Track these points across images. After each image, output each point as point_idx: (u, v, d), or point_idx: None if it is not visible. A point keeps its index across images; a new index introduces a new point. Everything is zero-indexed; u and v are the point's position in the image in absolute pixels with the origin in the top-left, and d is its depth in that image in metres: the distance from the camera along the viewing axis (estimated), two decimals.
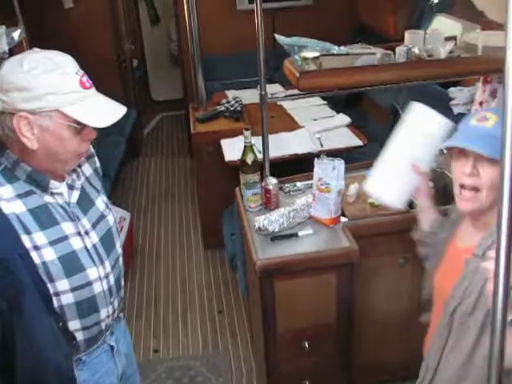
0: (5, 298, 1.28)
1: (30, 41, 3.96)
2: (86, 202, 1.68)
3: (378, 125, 4.71)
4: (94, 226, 1.68)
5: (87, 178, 1.74)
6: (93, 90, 1.53)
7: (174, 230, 4.79)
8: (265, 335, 2.58)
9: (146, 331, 3.65)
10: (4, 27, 3.67)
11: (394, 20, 4.50)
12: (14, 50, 3.82)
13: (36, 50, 1.52)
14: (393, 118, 4.37)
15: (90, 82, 1.53)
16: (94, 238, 1.66)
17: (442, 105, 3.76)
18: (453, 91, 3.77)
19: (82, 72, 1.52)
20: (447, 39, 2.85)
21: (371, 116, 5.03)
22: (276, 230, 2.48)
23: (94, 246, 1.66)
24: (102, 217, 1.73)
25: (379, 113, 4.78)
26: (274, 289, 2.43)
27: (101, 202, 1.76)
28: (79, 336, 1.67)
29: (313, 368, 2.71)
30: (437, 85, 4.02)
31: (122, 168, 5.67)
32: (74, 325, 1.63)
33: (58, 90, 1.45)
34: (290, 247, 2.44)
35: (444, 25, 3.03)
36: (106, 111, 1.53)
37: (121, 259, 1.82)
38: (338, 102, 4.85)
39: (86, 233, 1.64)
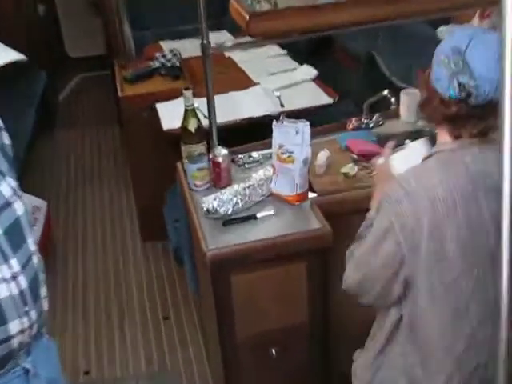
0: None
1: None
2: None
3: (352, 77, 4.74)
4: None
5: None
6: None
7: (104, 220, 4.78)
8: (222, 344, 2.61)
9: (74, 348, 3.65)
10: None
11: None
12: None
13: None
14: (369, 67, 4.42)
15: None
16: None
17: (430, 49, 3.80)
18: (443, 31, 3.81)
19: None
20: None
21: (343, 67, 5.05)
22: (229, 212, 2.50)
23: None
24: (7, 205, 1.70)
25: (353, 62, 4.80)
26: (231, 285, 2.45)
27: (6, 186, 1.73)
28: None
29: (283, 380, 2.75)
30: (423, 24, 4.07)
31: (34, 145, 5.59)
32: None
33: None
34: (247, 232, 2.46)
35: None
36: None
37: (36, 259, 1.79)
38: (301, 51, 4.86)
39: None
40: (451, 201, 1.71)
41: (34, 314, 1.73)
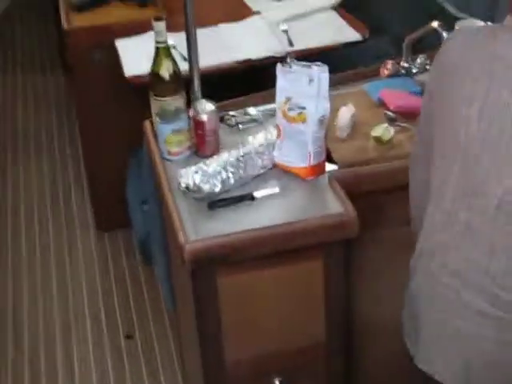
0: None
1: None
2: None
3: (389, 5, 4.75)
4: None
5: None
6: None
7: (44, 202, 4.81)
8: (205, 372, 2.62)
9: (2, 376, 3.67)
10: None
11: None
12: None
13: None
14: None
15: None
16: None
17: None
18: None
19: None
20: None
21: None
22: (216, 190, 2.50)
23: None
24: None
25: None
26: (217, 289, 2.45)
27: None
28: None
29: None
30: None
31: None
32: None
33: None
34: (241, 219, 2.46)
35: None
36: None
37: None
38: None
39: None
40: None
41: None
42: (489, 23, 3.06)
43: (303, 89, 2.49)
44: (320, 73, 2.47)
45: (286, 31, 3.80)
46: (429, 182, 2.12)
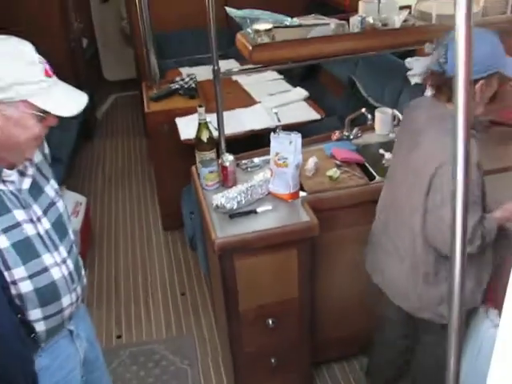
0: None
1: None
2: (36, 189, 1.66)
3: (336, 97, 4.72)
4: (45, 212, 1.66)
5: (36, 165, 1.72)
6: (55, 77, 1.52)
7: (133, 213, 4.74)
8: (227, 315, 2.58)
9: (108, 317, 3.62)
10: None
11: None
12: None
13: None
14: (350, 89, 4.39)
15: (52, 69, 1.52)
16: (45, 224, 1.65)
17: (399, 75, 3.79)
18: (409, 61, 3.78)
19: (43, 59, 1.50)
20: (402, 8, 2.86)
21: (329, 89, 5.02)
22: (234, 207, 2.47)
23: (47, 232, 1.65)
24: (52, 203, 1.71)
25: (337, 85, 4.78)
26: (235, 267, 2.42)
27: (50, 188, 1.74)
28: (40, 327, 1.65)
29: (278, 345, 2.72)
30: (393, 55, 4.04)
31: (76, 152, 5.58)
32: (34, 314, 1.62)
33: (25, 81, 1.43)
34: (249, 224, 2.43)
35: None
36: (70, 99, 1.53)
37: (75, 245, 1.81)
38: (294, 76, 4.84)
39: (38, 219, 1.63)
40: None
41: (78, 290, 1.78)
42: (395, 110, 3.02)
43: (286, 147, 2.45)
44: (296, 138, 2.45)
45: (276, 113, 3.70)
46: None
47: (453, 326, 1.01)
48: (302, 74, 5.07)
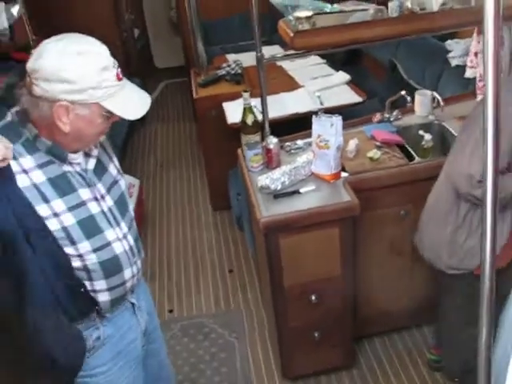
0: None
1: (30, 16, 3.93)
2: (100, 168, 1.73)
3: (378, 80, 4.67)
4: (108, 190, 1.73)
5: (101, 145, 1.78)
6: (124, 79, 1.59)
7: (183, 194, 4.81)
8: (273, 291, 2.61)
9: (161, 293, 3.70)
10: (3, 4, 3.65)
11: None
12: (15, 25, 3.81)
13: (71, 36, 1.55)
14: (392, 72, 4.34)
15: (122, 72, 1.58)
16: (108, 201, 1.72)
17: (439, 58, 3.74)
18: (450, 44, 3.74)
19: (116, 63, 1.56)
20: None
21: (371, 72, 4.98)
22: (278, 187, 2.49)
23: (110, 209, 1.72)
24: (115, 182, 1.79)
25: (379, 68, 4.74)
26: (279, 245, 2.44)
27: (113, 167, 1.82)
28: (104, 297, 1.73)
29: (321, 320, 2.74)
30: (434, 38, 3.98)
31: (129, 136, 5.65)
32: (100, 285, 1.71)
33: (99, 85, 1.51)
34: (292, 204, 2.45)
35: None
36: (136, 102, 1.61)
37: (134, 221, 1.88)
38: (337, 60, 4.80)
39: (102, 197, 1.70)
40: None
41: (138, 263, 1.85)
42: (434, 92, 2.98)
43: (328, 130, 2.46)
44: (337, 120, 2.45)
45: (319, 96, 3.73)
46: None
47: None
48: (344, 58, 5.03)
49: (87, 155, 1.68)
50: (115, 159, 1.85)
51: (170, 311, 3.54)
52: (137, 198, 4.18)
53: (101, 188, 1.70)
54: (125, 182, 1.86)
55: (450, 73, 3.58)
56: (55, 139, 1.56)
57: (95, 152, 1.70)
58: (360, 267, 2.72)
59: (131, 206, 1.87)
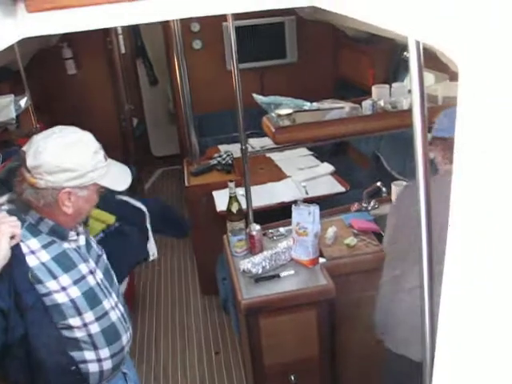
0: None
1: (36, 107, 4.20)
2: (87, 245, 1.92)
3: (363, 171, 4.90)
4: (96, 263, 1.91)
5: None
6: (108, 159, 1.82)
7: (173, 278, 4.93)
8: (253, 370, 2.71)
9: (148, 373, 3.76)
10: (12, 96, 3.92)
11: (373, 73, 4.74)
12: (21, 116, 4.07)
13: (61, 130, 1.76)
14: (375, 163, 4.56)
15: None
16: (99, 274, 1.90)
17: None
18: (429, 136, 3.97)
19: (101, 146, 1.80)
20: (410, 91, 3.07)
21: (356, 163, 5.22)
22: (259, 272, 2.64)
23: (102, 280, 1.90)
24: (99, 255, 1.95)
25: (363, 160, 4.97)
26: (259, 326, 2.56)
27: (94, 243, 1.99)
28: (108, 365, 1.87)
29: None
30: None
31: None
32: (104, 353, 1.85)
33: (95, 167, 1.73)
34: (272, 287, 2.58)
35: None
36: (121, 176, 1.84)
37: (120, 291, 2.04)
38: (324, 152, 5.04)
39: (94, 270, 1.88)
40: None
41: (130, 329, 2.00)
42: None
43: (306, 218, 2.62)
44: (314, 209, 2.61)
45: (304, 186, 3.93)
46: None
47: None
48: (331, 150, 5.28)
49: (77, 233, 1.87)
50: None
51: None
52: (128, 281, 4.28)
53: (91, 262, 1.88)
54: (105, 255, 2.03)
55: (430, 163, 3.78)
56: (57, 220, 1.76)
57: (81, 229, 1.90)
58: (340, 348, 2.82)
59: (115, 278, 2.03)
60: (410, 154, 2.76)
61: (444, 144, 2.19)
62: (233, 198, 2.81)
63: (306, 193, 3.90)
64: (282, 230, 3.02)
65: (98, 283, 1.87)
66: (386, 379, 2.53)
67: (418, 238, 2.21)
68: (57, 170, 1.67)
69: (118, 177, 1.82)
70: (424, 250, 1.13)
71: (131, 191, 5.73)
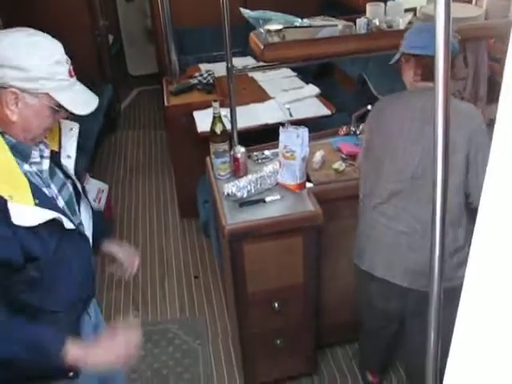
0: None
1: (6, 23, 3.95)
2: (50, 169, 1.74)
3: (348, 94, 4.75)
4: (59, 191, 1.75)
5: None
6: (75, 78, 1.63)
7: (152, 201, 4.83)
8: (236, 297, 2.64)
9: (126, 299, 3.71)
10: None
11: None
12: None
13: (28, 30, 1.57)
14: (361, 86, 4.42)
15: (74, 70, 1.63)
16: (60, 201, 1.74)
17: None
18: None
19: (69, 61, 1.61)
20: (407, 10, 2.90)
21: (341, 86, 5.06)
22: (244, 196, 2.53)
23: (63, 208, 1.74)
24: (64, 183, 1.79)
25: (349, 82, 4.81)
26: (243, 252, 2.47)
27: (60, 172, 1.82)
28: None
29: (283, 327, 2.78)
30: None
31: (100, 142, 5.67)
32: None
33: (52, 77, 1.54)
34: (257, 212, 2.48)
35: None
36: (85, 100, 1.65)
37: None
38: (309, 73, 4.87)
39: (56, 197, 1.72)
40: None
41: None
42: None
43: (293, 141, 2.50)
44: (303, 132, 2.49)
45: (288, 108, 3.81)
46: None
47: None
48: (316, 71, 5.11)
49: (41, 156, 1.70)
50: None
51: (135, 317, 3.54)
52: (105, 204, 4.18)
53: (54, 188, 1.72)
54: (71, 185, 1.87)
55: None
56: (8, 131, 1.58)
57: (47, 153, 1.73)
58: (324, 277, 2.77)
59: (80, 209, 1.88)
60: (398, 78, 2.63)
61: (417, 60, 2.20)
62: (216, 119, 2.66)
63: (290, 115, 3.77)
64: (267, 152, 2.90)
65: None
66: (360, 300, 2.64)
67: (384, 153, 2.18)
68: (6, 65, 1.49)
69: (81, 99, 1.64)
70: (438, 181, 0.99)
71: (108, 111, 5.59)
